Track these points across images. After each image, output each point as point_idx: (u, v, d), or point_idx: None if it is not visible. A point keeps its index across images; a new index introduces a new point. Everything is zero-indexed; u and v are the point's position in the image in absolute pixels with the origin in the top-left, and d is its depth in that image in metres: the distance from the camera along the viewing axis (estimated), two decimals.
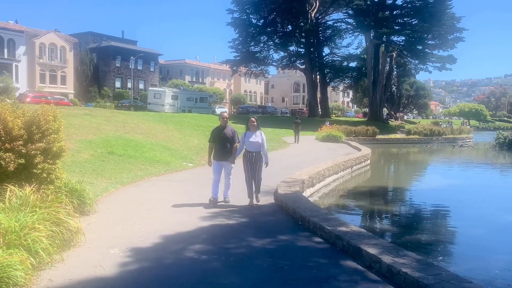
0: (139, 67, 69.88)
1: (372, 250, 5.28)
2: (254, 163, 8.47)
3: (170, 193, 9.65)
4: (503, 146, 33.71)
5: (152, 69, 73.15)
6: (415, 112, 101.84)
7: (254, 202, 8.60)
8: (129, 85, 65.99)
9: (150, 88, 57.44)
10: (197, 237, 6.28)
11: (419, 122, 64.08)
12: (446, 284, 4.23)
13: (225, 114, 8.89)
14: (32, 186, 6.08)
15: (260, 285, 4.66)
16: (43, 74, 57.48)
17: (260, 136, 8.47)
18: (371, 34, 51.34)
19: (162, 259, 5.34)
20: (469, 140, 45.83)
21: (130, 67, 64.31)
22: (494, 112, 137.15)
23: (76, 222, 5.73)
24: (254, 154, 8.47)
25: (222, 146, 8.49)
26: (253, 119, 8.60)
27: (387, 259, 4.99)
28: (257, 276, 4.91)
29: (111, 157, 13.24)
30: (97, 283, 4.57)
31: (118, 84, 67.34)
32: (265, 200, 9.08)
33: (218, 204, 8.51)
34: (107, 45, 67.46)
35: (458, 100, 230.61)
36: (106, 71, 66.52)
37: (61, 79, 59.51)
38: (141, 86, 69.86)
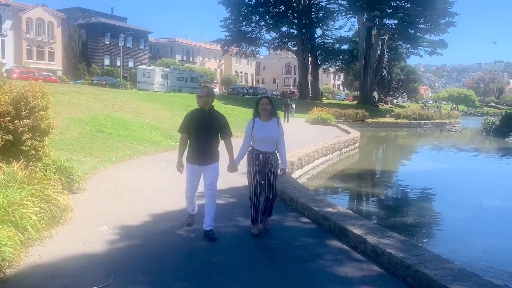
0: (129, 45, 68.84)
1: (357, 231, 5.38)
2: (267, 169, 5.57)
3: (159, 172, 9.66)
4: (489, 132, 34.15)
5: (142, 47, 72.13)
6: (405, 96, 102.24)
7: (259, 227, 5.71)
8: (118, 63, 65.08)
9: (139, 66, 56.78)
10: (186, 216, 6.34)
11: (408, 106, 64.44)
12: (428, 265, 4.34)
13: (206, 92, 5.41)
14: (20, 162, 6.05)
15: (248, 263, 4.75)
16: (30, 49, 56.37)
17: (276, 127, 5.56)
18: (364, 17, 51.08)
19: (151, 237, 5.39)
20: (457, 125, 46.31)
21: (120, 44, 63.30)
22: (482, 97, 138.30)
23: (65, 199, 5.74)
24: (266, 155, 5.54)
25: (204, 142, 5.35)
26: (266, 100, 5.59)
27: (372, 239, 5.09)
28: (245, 255, 4.99)
29: (100, 135, 13.15)
30: (86, 260, 4.61)
31: (107, 61, 66.39)
32: None
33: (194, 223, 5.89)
34: (96, 22, 66.21)
35: (447, 85, 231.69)
36: (95, 48, 65.45)
37: (48, 55, 58.45)
38: (131, 64, 68.96)
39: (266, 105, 5.52)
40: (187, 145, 5.51)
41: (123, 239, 5.29)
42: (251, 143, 5.63)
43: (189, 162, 5.47)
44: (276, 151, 5.66)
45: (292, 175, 10.42)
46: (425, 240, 7.53)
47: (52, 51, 58.89)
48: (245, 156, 5.65)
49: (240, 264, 4.70)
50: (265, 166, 5.55)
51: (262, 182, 5.58)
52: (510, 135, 30.62)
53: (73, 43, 62.24)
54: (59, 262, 4.50)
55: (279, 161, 5.72)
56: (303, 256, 4.94)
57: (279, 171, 5.71)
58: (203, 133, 5.35)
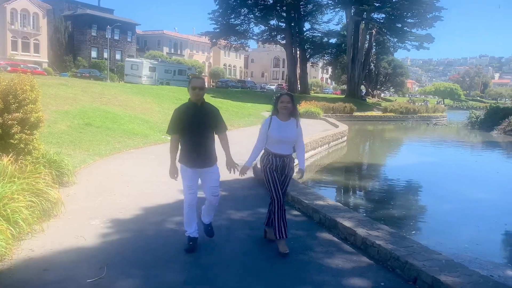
0: (116, 37, 68.04)
1: (347, 223, 5.47)
2: (284, 174, 5.00)
3: (149, 166, 9.65)
4: (475, 125, 34.63)
5: (129, 39, 71.36)
6: (392, 90, 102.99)
7: (281, 245, 4.89)
8: (105, 55, 64.34)
9: (127, 59, 56.26)
10: (177, 209, 6.35)
11: (395, 100, 64.96)
12: (417, 256, 4.45)
13: (202, 83, 4.79)
14: (9, 156, 6.01)
15: (239, 255, 4.81)
16: (15, 41, 55.43)
17: (295, 128, 4.95)
18: (352, 10, 51.21)
19: (143, 230, 5.42)
20: (443, 119, 46.84)
21: (107, 36, 62.51)
22: (468, 91, 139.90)
23: (56, 193, 5.73)
24: (284, 159, 4.93)
25: (200, 141, 4.70)
26: (287, 98, 4.91)
27: (361, 232, 5.19)
28: (236, 246, 5.05)
29: (88, 128, 13.06)
30: (79, 253, 4.63)
31: (94, 54, 65.56)
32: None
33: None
34: (82, 13, 65.25)
35: (434, 79, 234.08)
36: (82, 40, 64.56)
37: (34, 47, 57.56)
38: (118, 56, 68.23)
39: (287, 103, 4.84)
40: (179, 147, 4.75)
41: (115, 232, 5.31)
42: (265, 144, 4.95)
43: (185, 164, 4.72)
44: (293, 154, 5.05)
45: None
46: (413, 232, 7.67)
47: (37, 43, 57.99)
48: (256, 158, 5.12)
49: (232, 257, 4.75)
50: (282, 171, 4.94)
51: (281, 189, 4.94)
52: (494, 128, 31.11)
53: (59, 34, 61.32)
54: (52, 256, 4.51)
55: (295, 163, 5.19)
56: (294, 248, 5.01)
57: (295, 173, 5.21)
58: (197, 132, 4.66)
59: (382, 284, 4.21)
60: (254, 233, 5.50)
